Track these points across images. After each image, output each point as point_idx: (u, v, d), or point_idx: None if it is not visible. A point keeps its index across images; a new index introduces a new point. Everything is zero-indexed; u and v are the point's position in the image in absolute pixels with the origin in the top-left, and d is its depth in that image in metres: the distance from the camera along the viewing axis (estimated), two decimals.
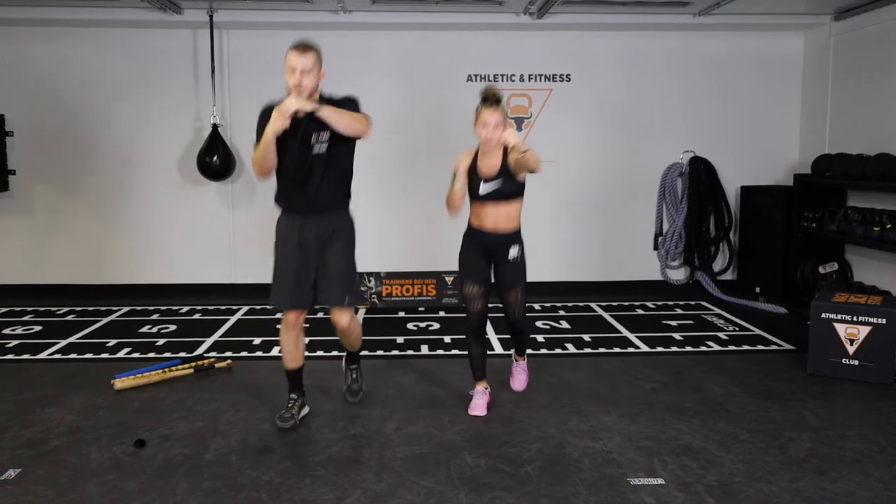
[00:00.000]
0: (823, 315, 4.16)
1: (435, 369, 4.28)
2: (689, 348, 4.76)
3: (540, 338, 4.98)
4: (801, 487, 2.82)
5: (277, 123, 3.11)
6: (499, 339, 4.92)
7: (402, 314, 5.78)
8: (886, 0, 5.29)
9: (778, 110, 6.50)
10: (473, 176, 3.47)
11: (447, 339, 4.98)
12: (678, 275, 6.65)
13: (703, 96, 6.47)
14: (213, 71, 6.11)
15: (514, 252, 3.53)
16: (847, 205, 5.73)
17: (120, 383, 3.94)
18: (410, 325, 5.39)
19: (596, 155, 6.48)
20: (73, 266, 6.34)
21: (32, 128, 6.20)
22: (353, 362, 3.79)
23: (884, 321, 4.01)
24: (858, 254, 5.75)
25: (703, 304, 6.05)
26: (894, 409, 3.66)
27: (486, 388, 3.68)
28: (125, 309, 5.87)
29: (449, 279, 5.95)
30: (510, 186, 3.44)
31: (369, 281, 5.98)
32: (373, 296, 6.00)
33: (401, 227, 6.38)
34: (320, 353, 4.63)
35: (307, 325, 5.20)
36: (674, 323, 5.41)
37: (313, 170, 3.28)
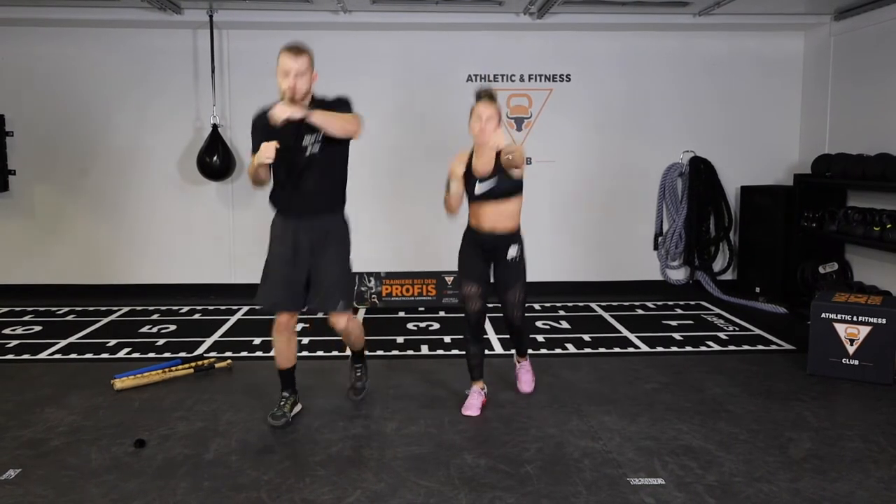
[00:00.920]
0: (823, 315, 4.16)
1: (435, 369, 4.28)
2: (689, 348, 4.76)
3: (540, 338, 4.98)
4: (801, 487, 2.82)
5: (264, 156, 3.13)
6: (499, 339, 4.92)
7: (402, 314, 5.78)
8: (886, 0, 5.29)
9: (778, 110, 6.50)
10: (469, 176, 3.47)
11: (447, 339, 4.98)
12: (678, 275, 6.65)
13: (703, 96, 6.47)
14: (213, 71, 6.11)
15: (513, 252, 3.52)
16: (847, 205, 5.73)
17: (120, 383, 3.94)
18: (410, 325, 5.39)
19: (596, 155, 6.48)
20: (73, 266, 6.34)
21: (32, 128, 6.20)
22: (357, 361, 3.80)
23: (884, 321, 4.01)
24: (858, 254, 5.75)
25: (703, 304, 6.05)
26: (894, 409, 3.66)
27: (482, 389, 3.68)
28: (125, 309, 5.87)
29: (449, 279, 5.95)
30: (506, 185, 3.43)
31: (369, 281, 5.98)
32: (373, 296, 6.00)
33: (401, 227, 6.38)
34: (320, 352, 4.63)
35: (307, 326, 5.21)
36: (674, 323, 5.41)
37: (307, 172, 3.28)
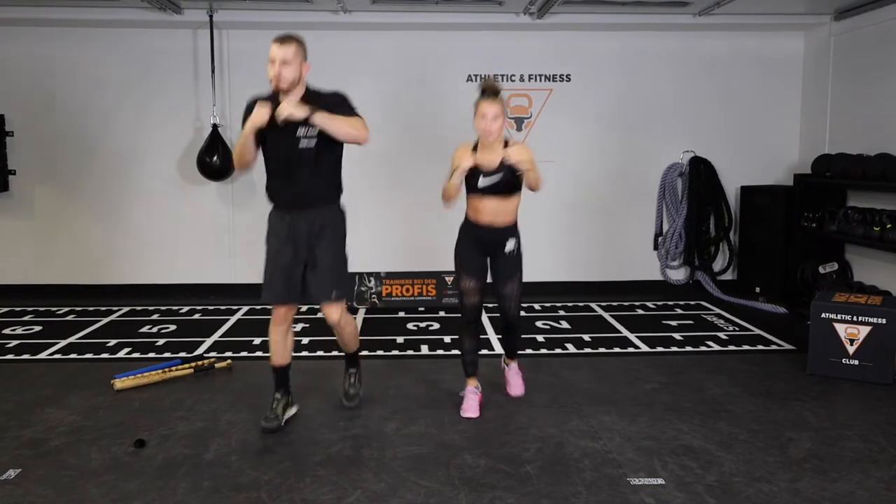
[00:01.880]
0: (823, 315, 4.16)
1: (435, 369, 4.28)
2: (689, 348, 4.76)
3: (540, 338, 4.98)
4: (801, 487, 2.82)
5: (256, 119, 3.12)
6: (498, 338, 4.91)
7: (402, 314, 5.78)
8: (886, 0, 5.29)
9: (778, 110, 6.50)
10: (473, 169, 3.43)
11: (447, 339, 4.98)
12: (678, 275, 6.65)
13: (703, 96, 6.47)
14: (213, 71, 6.11)
15: (510, 245, 3.52)
16: (847, 205, 5.73)
17: (120, 383, 3.94)
18: (410, 325, 5.39)
19: (596, 155, 6.48)
20: (73, 266, 6.34)
21: (32, 128, 6.20)
22: (351, 365, 3.76)
23: (884, 321, 4.01)
24: (858, 254, 5.75)
25: (703, 304, 6.05)
26: (894, 409, 3.66)
27: (477, 387, 3.66)
28: (125, 309, 5.87)
29: (449, 279, 5.95)
30: (510, 180, 3.43)
31: (369, 281, 5.98)
32: (373, 296, 6.00)
33: (401, 228, 6.38)
34: (320, 352, 4.63)
35: (306, 325, 5.20)
36: (674, 323, 5.41)
37: (301, 163, 3.26)
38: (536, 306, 5.83)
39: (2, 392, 3.89)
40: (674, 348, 4.76)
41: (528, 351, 4.61)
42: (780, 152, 6.52)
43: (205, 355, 4.56)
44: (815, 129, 6.25)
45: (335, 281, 3.36)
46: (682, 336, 5.04)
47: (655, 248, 6.62)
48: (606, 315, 5.66)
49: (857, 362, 4.07)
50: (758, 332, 5.14)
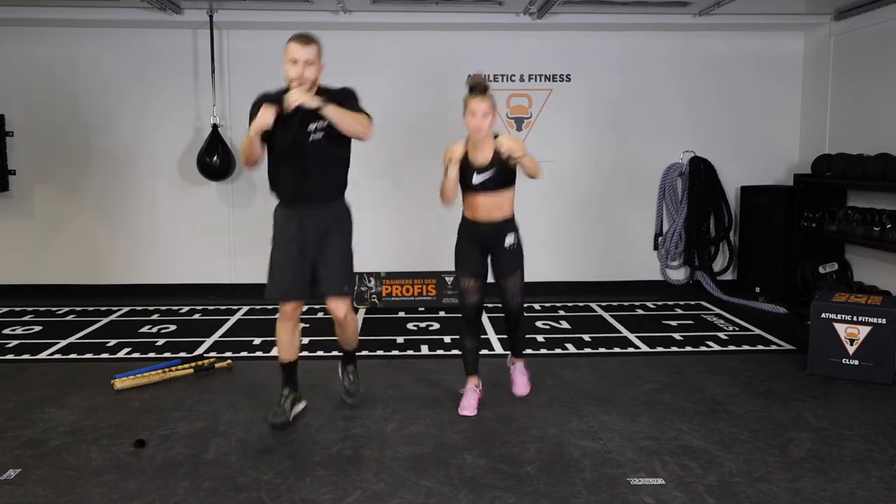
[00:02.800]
0: (823, 315, 4.16)
1: (435, 369, 4.28)
2: (689, 348, 4.76)
3: (540, 338, 4.98)
4: (801, 487, 2.82)
5: (261, 122, 3.11)
6: (499, 339, 4.91)
7: (402, 314, 5.78)
8: (886, 0, 5.30)
9: (778, 110, 6.50)
10: (465, 167, 3.45)
11: (447, 339, 4.98)
12: (678, 275, 6.65)
13: (703, 96, 6.47)
14: (213, 71, 6.11)
15: (510, 239, 3.52)
16: (847, 205, 5.73)
17: (120, 383, 3.94)
18: (410, 325, 5.39)
19: (596, 155, 6.48)
20: (73, 266, 6.34)
21: (32, 128, 6.20)
22: (349, 363, 3.77)
23: (884, 321, 4.01)
24: (858, 254, 5.75)
25: (703, 304, 6.05)
26: (894, 409, 3.66)
27: (476, 386, 3.66)
28: (125, 309, 5.86)
29: (449, 279, 5.95)
30: (503, 176, 3.44)
31: (369, 281, 5.98)
32: (373, 296, 6.00)
33: (401, 228, 6.38)
34: (320, 353, 4.63)
35: (307, 325, 5.20)
36: (674, 323, 5.41)
37: (309, 157, 3.26)
38: (536, 306, 5.83)
39: (2, 392, 3.89)
40: (674, 348, 4.76)
41: (529, 351, 4.59)
42: (780, 152, 6.52)
43: (205, 355, 4.56)
44: (815, 128, 6.25)
45: (345, 276, 3.39)
46: (682, 336, 5.04)
47: (655, 248, 6.62)
48: (606, 315, 5.66)
49: (857, 362, 4.07)
50: (758, 332, 5.14)
